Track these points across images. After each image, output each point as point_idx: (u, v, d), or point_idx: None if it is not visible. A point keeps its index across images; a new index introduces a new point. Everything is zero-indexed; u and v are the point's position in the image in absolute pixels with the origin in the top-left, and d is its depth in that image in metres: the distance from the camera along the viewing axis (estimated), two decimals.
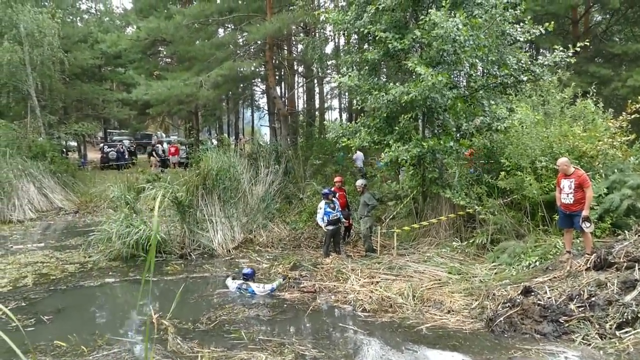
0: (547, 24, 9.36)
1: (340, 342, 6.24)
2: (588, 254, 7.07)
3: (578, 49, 9.44)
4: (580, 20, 22.04)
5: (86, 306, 7.79)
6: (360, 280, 8.35)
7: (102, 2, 31.92)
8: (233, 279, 8.50)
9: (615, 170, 8.78)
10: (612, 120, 9.76)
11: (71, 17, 28.12)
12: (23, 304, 7.58)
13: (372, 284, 8.18)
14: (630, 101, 9.70)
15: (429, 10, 8.76)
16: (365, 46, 11.43)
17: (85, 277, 9.14)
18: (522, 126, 9.34)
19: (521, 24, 9.59)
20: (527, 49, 22.68)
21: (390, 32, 9.55)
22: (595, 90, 11.01)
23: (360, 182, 10.77)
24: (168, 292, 8.46)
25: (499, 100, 9.77)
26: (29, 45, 19.25)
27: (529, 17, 9.66)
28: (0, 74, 18.72)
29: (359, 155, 18.15)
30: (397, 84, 9.29)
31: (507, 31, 9.37)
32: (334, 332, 6.60)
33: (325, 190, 10.21)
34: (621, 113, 9.88)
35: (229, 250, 10.95)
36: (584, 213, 7.04)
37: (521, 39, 9.52)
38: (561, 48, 9.52)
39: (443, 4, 8.74)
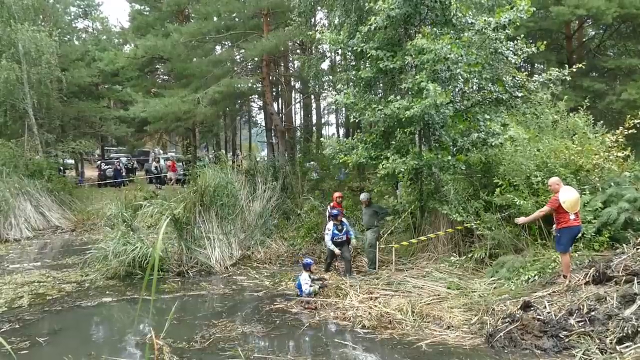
0: (539, 43, 9.46)
1: None
2: (564, 276, 7.11)
3: (574, 69, 9.52)
4: (573, 35, 22.28)
5: (83, 327, 7.70)
6: (359, 296, 8.30)
7: (100, 20, 32.20)
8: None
9: (612, 184, 8.80)
10: (608, 135, 9.81)
11: (68, 36, 28.32)
12: (17, 325, 7.47)
13: (371, 299, 8.12)
14: (629, 116, 9.76)
15: (417, 34, 8.85)
16: (361, 62, 11.51)
17: (82, 296, 9.05)
18: (515, 144, 9.36)
19: (513, 42, 9.66)
20: (522, 63, 22.91)
21: (383, 50, 9.63)
22: (587, 105, 11.07)
23: (364, 195, 10.78)
24: (165, 310, 8.38)
25: (493, 115, 9.82)
26: (26, 63, 19.33)
27: (522, 35, 9.73)
28: None
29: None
30: (397, 97, 9.33)
31: (499, 50, 9.44)
32: (331, 348, 6.53)
33: (335, 212, 10.07)
34: (617, 127, 9.93)
35: (227, 268, 10.87)
36: (521, 219, 7.84)
37: (512, 59, 9.58)
38: (557, 70, 9.60)
39: (420, 32, 8.82)
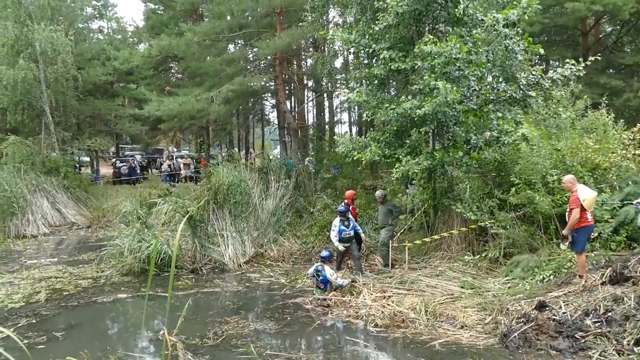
0: (537, 45, 9.31)
1: (349, 358, 6.18)
2: (580, 276, 7.04)
3: (589, 63, 9.37)
4: (590, 31, 21.97)
5: (98, 322, 7.81)
6: (372, 294, 8.28)
7: (115, 20, 32.51)
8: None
9: (630, 182, 8.67)
10: (626, 132, 9.65)
11: (84, 36, 28.61)
12: (34, 320, 7.60)
13: (384, 298, 8.10)
14: None
15: (430, 33, 8.75)
16: (374, 61, 11.44)
17: (98, 292, 9.17)
18: (531, 144, 9.24)
19: (520, 43, 9.53)
20: (537, 60, 22.64)
21: (394, 49, 9.57)
22: (606, 102, 10.92)
23: (379, 192, 10.74)
24: (179, 307, 8.45)
25: (507, 114, 9.70)
26: (43, 63, 19.62)
27: (527, 37, 9.56)
28: (15, 92, 19.05)
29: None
30: (408, 97, 9.28)
31: (509, 47, 9.30)
32: (343, 346, 6.54)
33: (341, 208, 9.94)
34: (634, 124, 9.76)
35: (240, 265, 10.95)
36: (564, 232, 7.20)
37: (520, 57, 9.42)
38: (572, 62, 9.45)
39: (428, 38, 8.74)
